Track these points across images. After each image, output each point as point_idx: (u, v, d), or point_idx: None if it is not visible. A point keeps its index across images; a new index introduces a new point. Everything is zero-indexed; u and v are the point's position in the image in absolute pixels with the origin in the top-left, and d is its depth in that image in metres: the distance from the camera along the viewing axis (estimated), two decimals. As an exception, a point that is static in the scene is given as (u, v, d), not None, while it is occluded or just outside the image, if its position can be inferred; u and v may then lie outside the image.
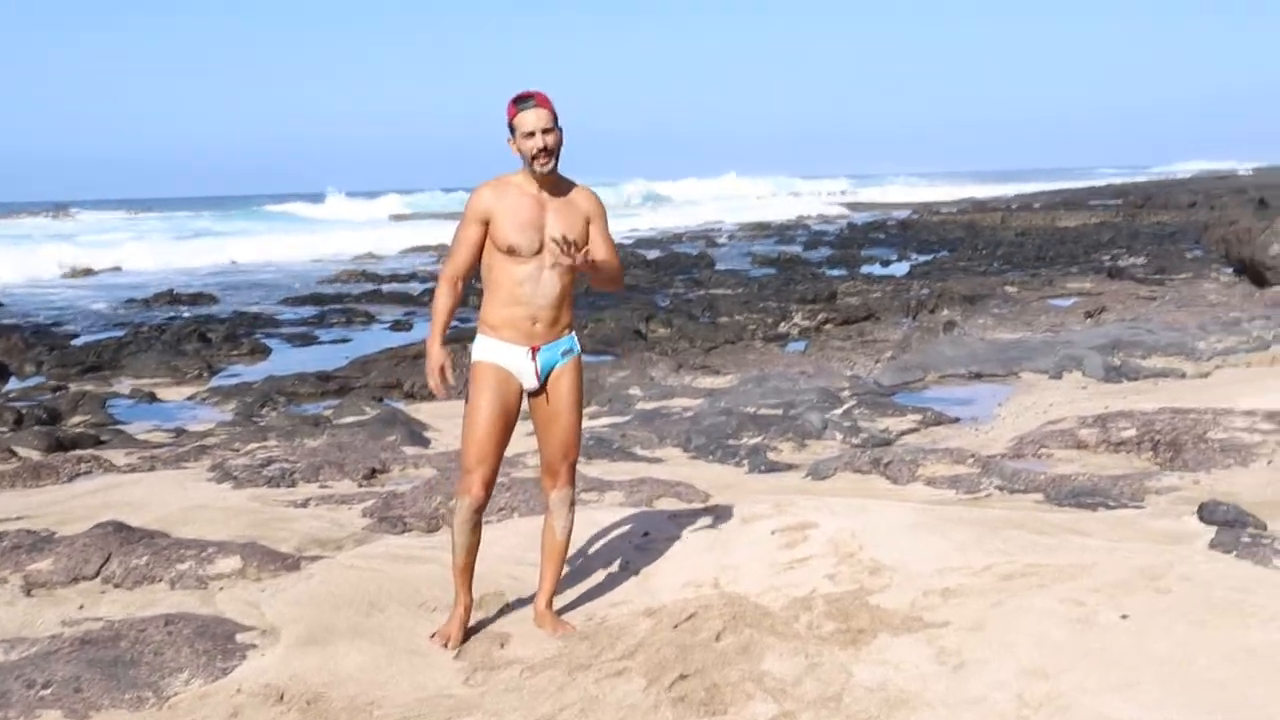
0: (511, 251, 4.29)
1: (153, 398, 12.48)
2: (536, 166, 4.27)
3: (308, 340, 17.18)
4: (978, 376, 10.77)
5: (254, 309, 21.49)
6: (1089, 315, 14.69)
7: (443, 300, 4.41)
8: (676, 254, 30.66)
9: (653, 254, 30.87)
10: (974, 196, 70.64)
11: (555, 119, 4.28)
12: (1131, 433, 7.29)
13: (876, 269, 26.12)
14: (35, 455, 9.03)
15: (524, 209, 4.31)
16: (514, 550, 5.43)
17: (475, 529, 4.41)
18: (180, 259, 35.08)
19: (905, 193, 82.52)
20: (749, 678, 3.87)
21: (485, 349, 4.40)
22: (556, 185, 4.39)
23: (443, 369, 4.34)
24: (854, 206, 62.34)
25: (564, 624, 4.53)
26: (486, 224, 4.33)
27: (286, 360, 15.16)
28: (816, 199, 71.00)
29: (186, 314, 20.95)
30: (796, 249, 32.92)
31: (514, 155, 4.34)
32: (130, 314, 21.40)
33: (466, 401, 4.41)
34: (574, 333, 4.51)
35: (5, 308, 23.19)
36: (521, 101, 4.28)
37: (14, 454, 9.04)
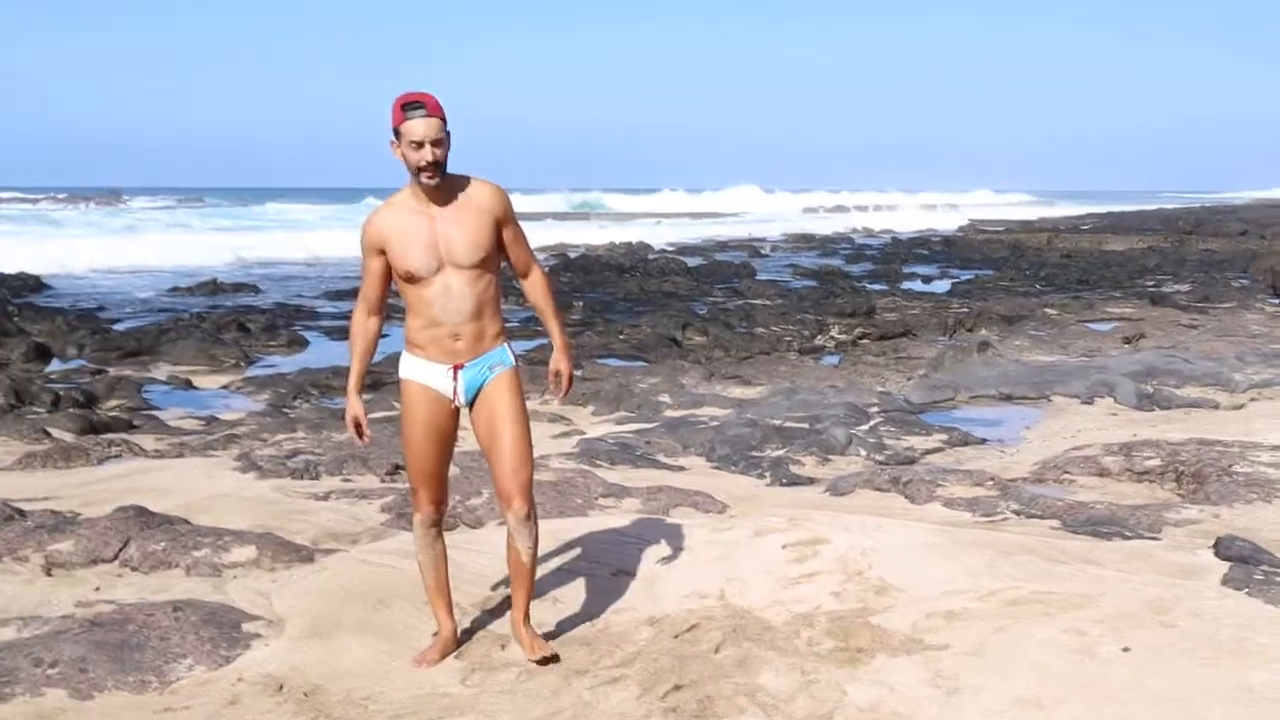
0: (411, 277, 4.06)
1: (189, 385, 12.63)
2: (423, 179, 3.98)
3: (345, 334, 17.29)
4: (1008, 398, 10.70)
5: (295, 301, 21.68)
6: (1127, 341, 14.56)
7: (357, 339, 4.28)
8: (718, 262, 30.64)
9: (694, 261, 30.87)
10: (1044, 216, 69.96)
11: (445, 126, 3.99)
12: (1156, 462, 7.22)
13: (917, 285, 26.00)
14: (68, 437, 9.17)
15: (416, 230, 4.05)
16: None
17: (434, 543, 4.32)
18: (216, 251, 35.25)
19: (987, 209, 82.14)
20: (743, 691, 3.88)
21: (408, 367, 4.23)
22: (449, 192, 4.08)
23: (357, 421, 4.23)
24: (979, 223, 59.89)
25: (541, 643, 4.32)
26: (383, 252, 4.10)
27: (324, 353, 15.29)
28: (932, 212, 70.81)
29: (228, 304, 21.15)
30: (839, 262, 32.82)
31: (396, 159, 4.04)
32: (173, 301, 21.66)
33: (401, 419, 4.31)
34: (506, 343, 4.25)
35: (51, 290, 23.53)
36: (410, 107, 3.95)
37: (48, 435, 9.19)
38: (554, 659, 4.25)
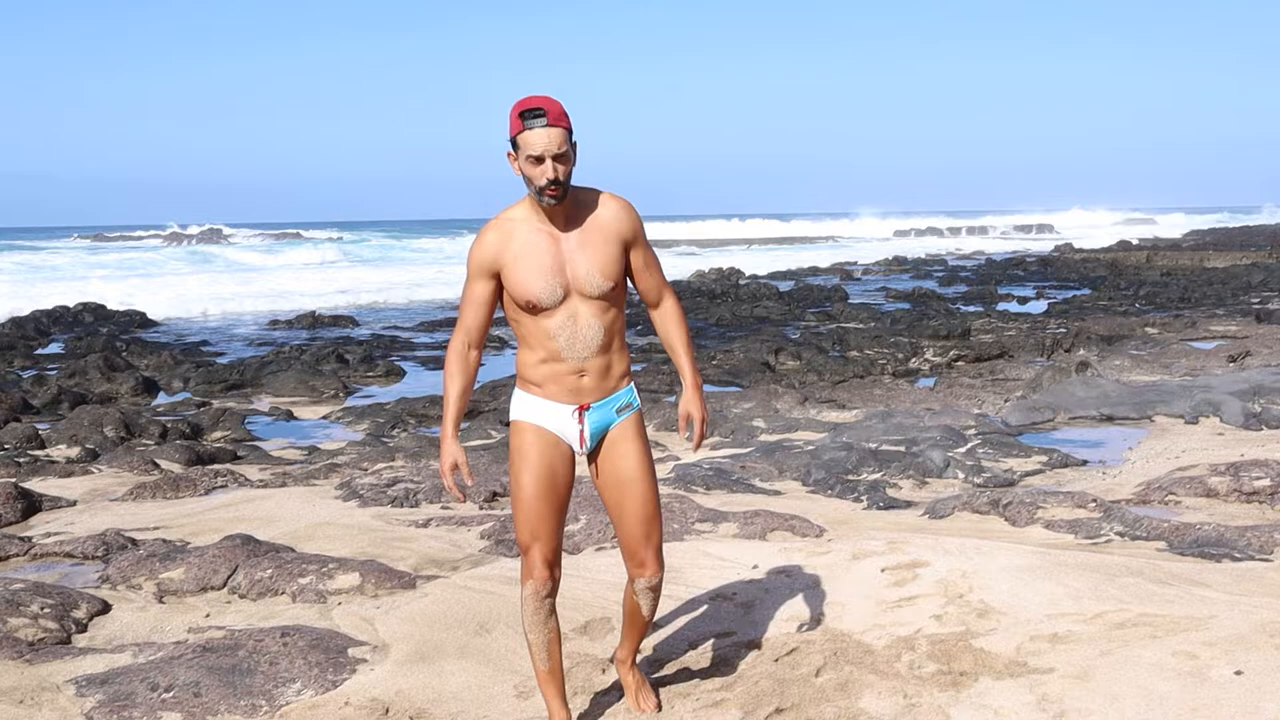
0: (533, 306, 3.56)
1: (290, 416, 12.90)
2: (545, 199, 3.50)
3: (441, 364, 17.54)
4: (1109, 419, 10.51)
5: (391, 333, 22.02)
6: (1231, 359, 14.22)
7: (453, 378, 3.68)
8: (810, 286, 30.55)
9: (785, 286, 30.80)
10: (1143, 236, 68.53)
11: (570, 138, 3.49)
12: (1265, 482, 7.05)
13: (1013, 306, 25.67)
14: (176, 468, 9.41)
15: (538, 252, 3.55)
16: (621, 576, 5.49)
17: (549, 619, 3.72)
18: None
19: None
20: (844, 715, 3.85)
21: (524, 407, 3.69)
22: (574, 209, 3.59)
23: (456, 467, 3.64)
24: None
25: (647, 694, 4.07)
26: (496, 276, 3.59)
27: (420, 382, 15.53)
28: (1026, 233, 69.87)
29: (326, 335, 21.55)
30: (932, 284, 32.52)
31: (514, 175, 3.56)
32: (272, 334, 22.13)
33: (510, 468, 3.75)
34: (632, 383, 3.78)
35: (157, 326, 24.19)
36: (529, 115, 3.43)
37: (157, 466, 9.44)
38: (658, 709, 4.04)
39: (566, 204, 3.55)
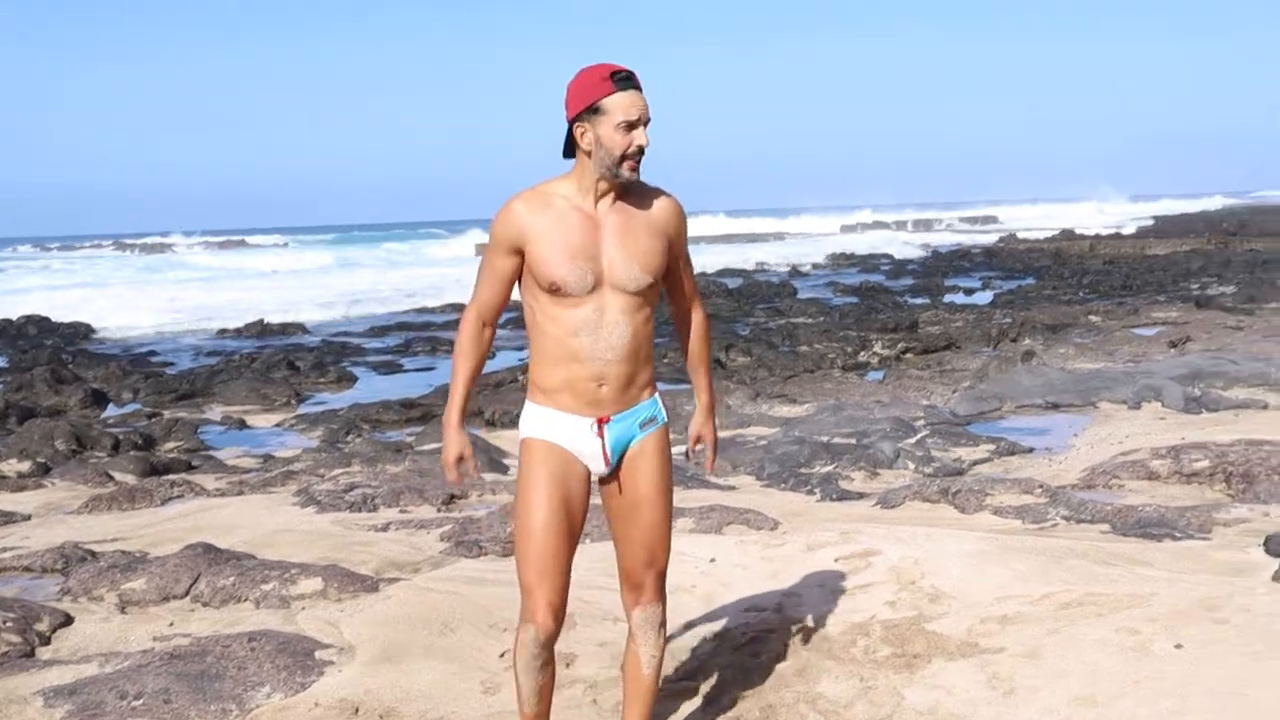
0: (557, 290, 3.17)
1: (242, 424, 12.87)
2: (623, 173, 3.17)
3: (392, 368, 17.54)
4: (1055, 407, 10.74)
5: (341, 339, 21.97)
6: (1172, 345, 14.53)
7: (464, 357, 3.33)
8: (759, 283, 30.74)
9: (734, 283, 30.99)
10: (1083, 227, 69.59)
11: None
12: (1204, 464, 7.26)
13: (960, 298, 25.99)
14: (130, 479, 9.39)
15: (571, 230, 3.18)
16: (586, 574, 5.56)
17: (545, 667, 3.29)
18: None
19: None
20: (803, 699, 3.98)
21: (536, 422, 3.30)
22: (622, 194, 3.26)
23: (462, 458, 3.31)
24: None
25: None
26: (520, 251, 3.23)
27: (372, 388, 15.52)
28: (971, 226, 70.65)
29: (276, 344, 21.47)
30: (879, 278, 32.85)
31: (584, 149, 3.19)
32: (221, 343, 22.02)
33: (517, 492, 3.33)
34: (657, 394, 3.39)
35: (102, 337, 24.00)
36: (621, 78, 3.14)
37: (111, 478, 9.42)
38: None
39: (621, 188, 3.24)
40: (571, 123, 3.18)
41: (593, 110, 3.13)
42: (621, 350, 3.21)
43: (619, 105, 3.12)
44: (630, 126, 3.13)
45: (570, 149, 3.25)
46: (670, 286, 3.43)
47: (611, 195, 3.23)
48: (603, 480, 3.37)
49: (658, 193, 3.32)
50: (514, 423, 8.12)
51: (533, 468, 3.25)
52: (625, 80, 3.13)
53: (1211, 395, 10.35)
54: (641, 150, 3.16)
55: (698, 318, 3.53)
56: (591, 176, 3.19)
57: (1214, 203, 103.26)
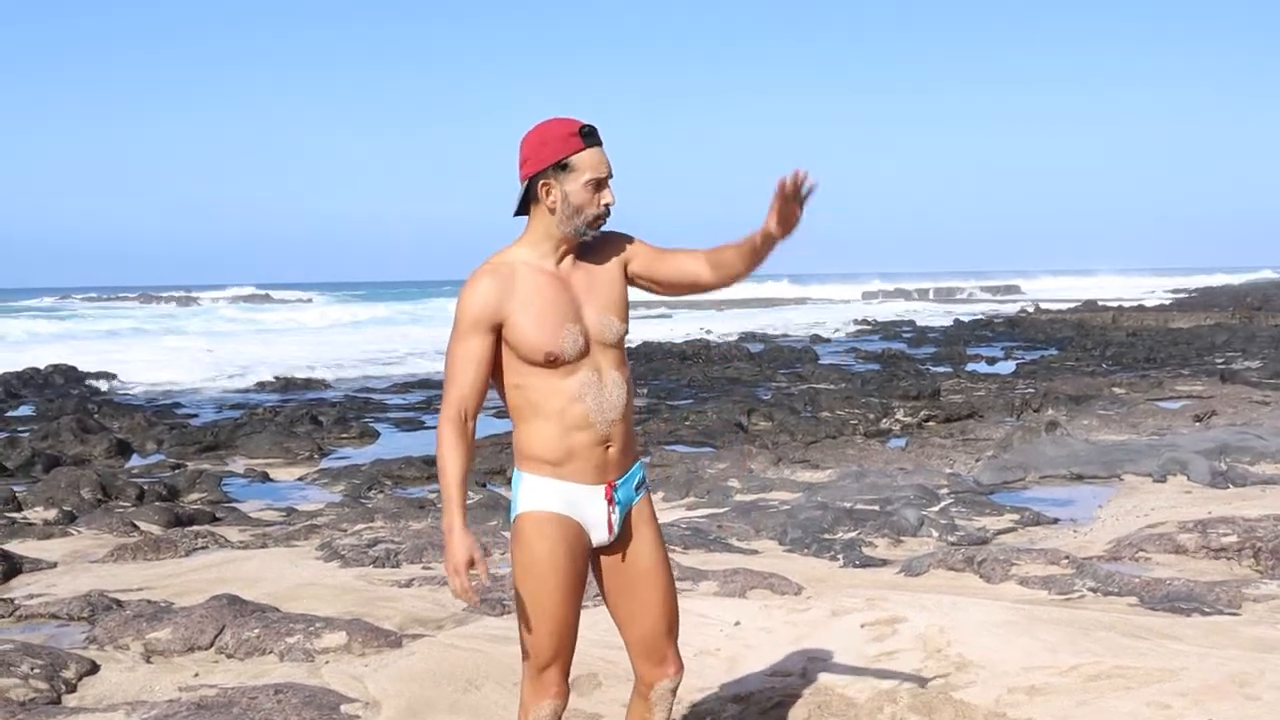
0: (554, 361, 3.02)
1: (265, 477, 12.91)
2: (589, 232, 3.07)
3: (415, 425, 17.60)
4: (1079, 478, 10.69)
5: (364, 394, 22.06)
6: (1197, 419, 14.46)
7: (452, 457, 3.01)
8: (781, 348, 30.78)
9: (756, 348, 31.04)
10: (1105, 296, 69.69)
11: None
12: (1233, 539, 7.21)
13: (982, 367, 25.97)
14: (155, 530, 9.43)
15: (547, 296, 3.04)
16: (607, 634, 5.56)
17: None
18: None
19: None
20: (831, 766, 3.96)
21: (541, 494, 3.08)
22: (579, 247, 3.14)
23: (472, 562, 2.96)
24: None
25: None
26: (497, 329, 3.03)
27: (394, 444, 15.56)
28: (994, 294, 70.75)
29: (299, 398, 21.57)
30: (901, 345, 32.86)
31: (548, 206, 3.04)
32: (245, 396, 22.14)
33: (514, 577, 3.15)
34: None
35: (128, 387, 24.15)
36: (590, 134, 3.03)
37: (136, 528, 9.46)
38: None
39: (575, 244, 3.11)
40: (532, 179, 3.04)
41: (560, 167, 3.01)
42: (622, 407, 3.10)
43: (587, 162, 3.01)
44: (599, 185, 3.03)
45: (524, 207, 3.12)
46: (670, 274, 3.21)
47: (571, 253, 3.12)
48: (601, 551, 3.20)
49: (600, 235, 3.16)
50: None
51: (543, 541, 3.06)
52: (591, 135, 3.02)
53: (1238, 470, 10.30)
54: (608, 209, 3.07)
55: (713, 252, 3.18)
56: (554, 236, 3.07)
57: (1236, 278, 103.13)
